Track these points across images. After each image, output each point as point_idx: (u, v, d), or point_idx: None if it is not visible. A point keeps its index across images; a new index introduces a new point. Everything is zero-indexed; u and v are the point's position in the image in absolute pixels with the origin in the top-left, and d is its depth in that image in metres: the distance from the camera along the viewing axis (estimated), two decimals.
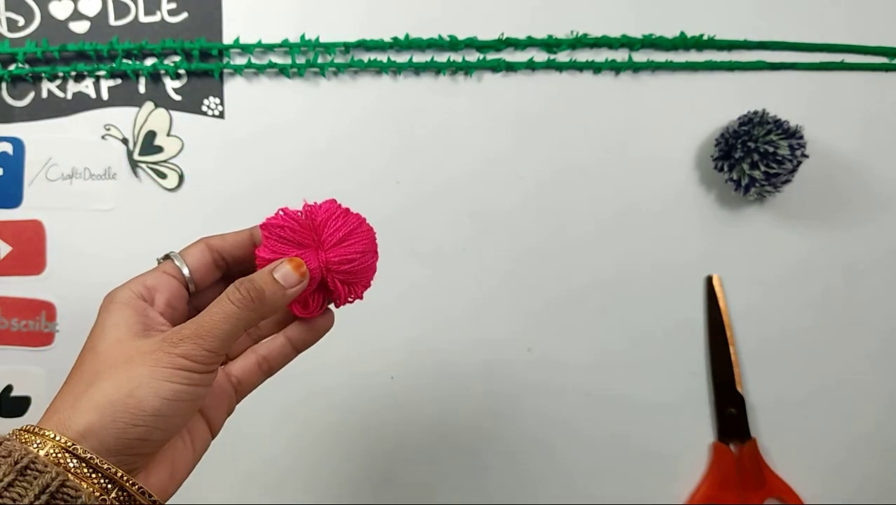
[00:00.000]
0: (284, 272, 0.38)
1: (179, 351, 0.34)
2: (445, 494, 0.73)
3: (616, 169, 0.72)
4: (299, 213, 0.41)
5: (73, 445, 0.32)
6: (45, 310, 0.71)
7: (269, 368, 0.43)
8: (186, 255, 0.41)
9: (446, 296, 0.72)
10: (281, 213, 0.41)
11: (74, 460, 0.32)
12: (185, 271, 0.41)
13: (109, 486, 0.33)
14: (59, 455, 0.32)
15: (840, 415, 0.75)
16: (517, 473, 0.74)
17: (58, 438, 0.32)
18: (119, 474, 0.33)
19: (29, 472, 0.31)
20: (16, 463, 0.31)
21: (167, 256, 0.42)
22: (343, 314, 0.44)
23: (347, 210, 0.42)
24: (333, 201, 0.42)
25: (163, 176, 0.71)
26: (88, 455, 0.32)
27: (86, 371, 0.36)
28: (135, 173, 0.71)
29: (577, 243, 0.73)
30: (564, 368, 0.73)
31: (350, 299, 0.42)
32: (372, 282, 0.43)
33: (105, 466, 0.32)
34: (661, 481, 0.75)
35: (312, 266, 0.39)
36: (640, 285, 0.73)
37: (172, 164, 0.71)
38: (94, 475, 0.32)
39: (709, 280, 0.72)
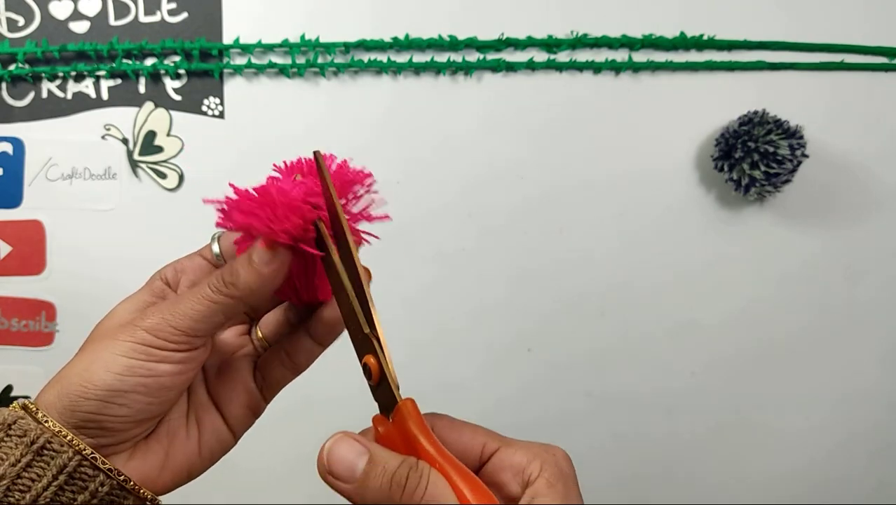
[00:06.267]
0: (257, 250, 0.36)
1: (145, 325, 0.33)
2: None
3: (616, 169, 0.72)
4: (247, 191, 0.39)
5: (36, 409, 0.32)
6: (45, 310, 0.71)
7: (293, 365, 0.42)
8: (223, 237, 0.41)
9: (446, 296, 0.72)
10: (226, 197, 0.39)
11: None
12: (215, 248, 0.40)
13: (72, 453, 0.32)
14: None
15: (840, 414, 0.75)
16: None
17: (33, 408, 0.32)
18: (70, 439, 0.32)
19: (45, 452, 0.31)
20: (32, 443, 0.31)
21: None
22: None
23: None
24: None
25: (163, 176, 0.71)
26: (47, 421, 0.32)
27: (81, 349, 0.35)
28: (135, 173, 0.71)
29: (577, 243, 0.72)
30: (564, 368, 0.73)
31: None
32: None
33: (57, 429, 0.32)
34: (661, 480, 0.75)
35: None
36: (640, 285, 0.73)
37: (172, 164, 0.71)
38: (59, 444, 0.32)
39: None
